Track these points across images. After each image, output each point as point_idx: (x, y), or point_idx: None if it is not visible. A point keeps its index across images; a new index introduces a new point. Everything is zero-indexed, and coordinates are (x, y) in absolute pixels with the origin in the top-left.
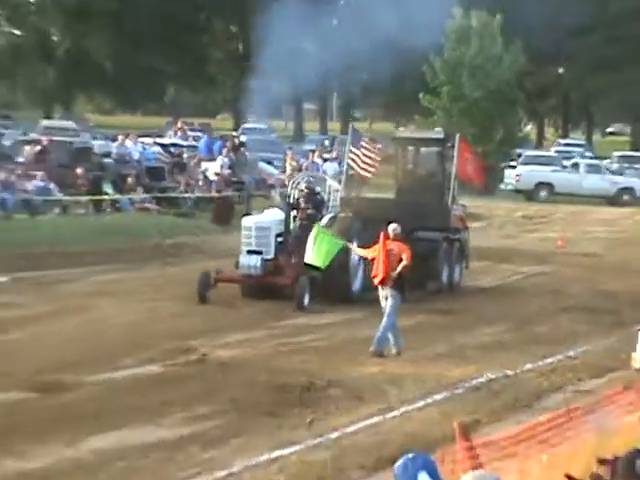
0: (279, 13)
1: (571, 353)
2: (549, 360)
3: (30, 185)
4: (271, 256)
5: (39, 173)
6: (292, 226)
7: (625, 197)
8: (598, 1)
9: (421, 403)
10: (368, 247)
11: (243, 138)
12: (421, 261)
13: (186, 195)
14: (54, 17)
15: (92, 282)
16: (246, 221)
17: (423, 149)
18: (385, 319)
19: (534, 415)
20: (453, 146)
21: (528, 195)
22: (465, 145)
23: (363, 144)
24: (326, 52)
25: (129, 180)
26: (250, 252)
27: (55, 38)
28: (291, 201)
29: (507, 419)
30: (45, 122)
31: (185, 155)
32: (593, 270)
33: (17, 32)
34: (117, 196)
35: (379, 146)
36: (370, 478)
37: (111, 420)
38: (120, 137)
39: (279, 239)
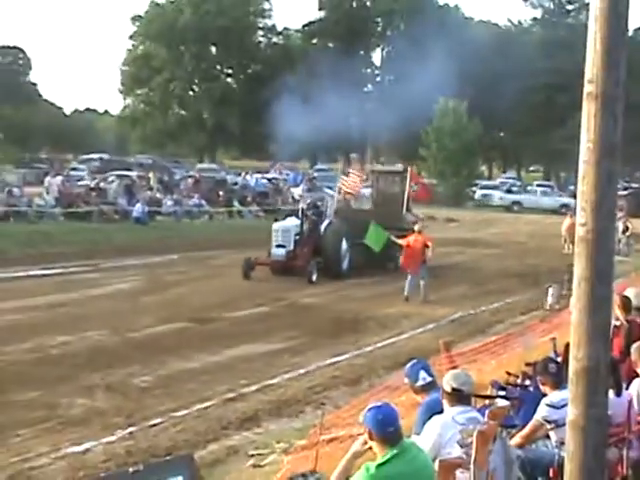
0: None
1: (508, 300)
2: (495, 304)
3: (190, 202)
4: (291, 248)
5: (195, 195)
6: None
7: (563, 209)
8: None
9: (421, 329)
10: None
11: (315, 174)
12: (385, 249)
13: (281, 207)
14: (206, 103)
15: (227, 259)
16: (275, 226)
17: (389, 177)
18: (424, 281)
19: (487, 337)
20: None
21: (506, 208)
22: (414, 175)
23: (351, 172)
24: (364, 122)
25: (248, 199)
26: (278, 246)
27: (206, 116)
28: (302, 212)
29: (471, 339)
30: (199, 165)
31: (281, 184)
32: (522, 251)
33: (183, 112)
34: (241, 208)
35: (360, 175)
36: (390, 374)
37: (238, 339)
38: (243, 173)
39: (296, 237)
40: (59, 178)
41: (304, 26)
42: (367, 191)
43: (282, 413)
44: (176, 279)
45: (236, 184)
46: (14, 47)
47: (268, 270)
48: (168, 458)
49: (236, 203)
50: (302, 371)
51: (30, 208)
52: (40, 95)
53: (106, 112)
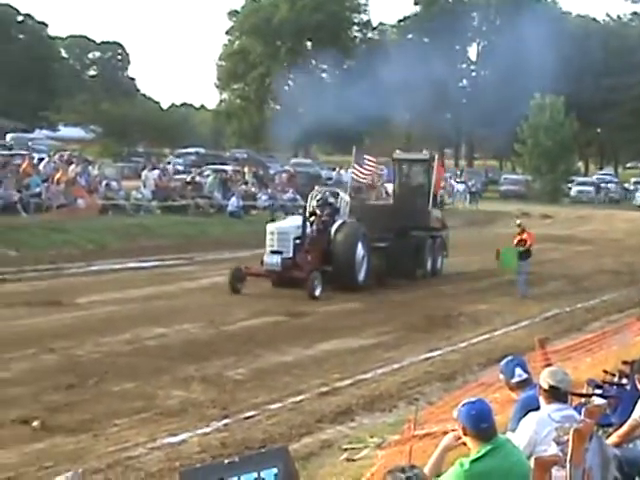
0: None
1: (604, 297)
2: (591, 302)
3: (285, 196)
4: (289, 255)
5: (290, 189)
6: (309, 230)
7: None
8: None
9: (514, 326)
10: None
11: None
12: (413, 253)
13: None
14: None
15: None
16: (269, 227)
17: (414, 167)
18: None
19: (583, 334)
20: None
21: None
22: (440, 165)
23: (366, 160)
24: (459, 117)
25: None
26: (273, 252)
27: (300, 110)
28: (309, 210)
29: (566, 337)
30: (293, 160)
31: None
32: (618, 248)
33: (278, 107)
34: None
35: (377, 162)
36: (484, 370)
37: (331, 333)
38: (337, 168)
39: (297, 241)
40: (156, 172)
41: (399, 21)
42: (389, 185)
43: (375, 408)
44: None
45: (330, 179)
46: (114, 42)
47: None
48: (263, 450)
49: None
50: (395, 366)
51: (128, 201)
52: (138, 90)
53: (202, 107)
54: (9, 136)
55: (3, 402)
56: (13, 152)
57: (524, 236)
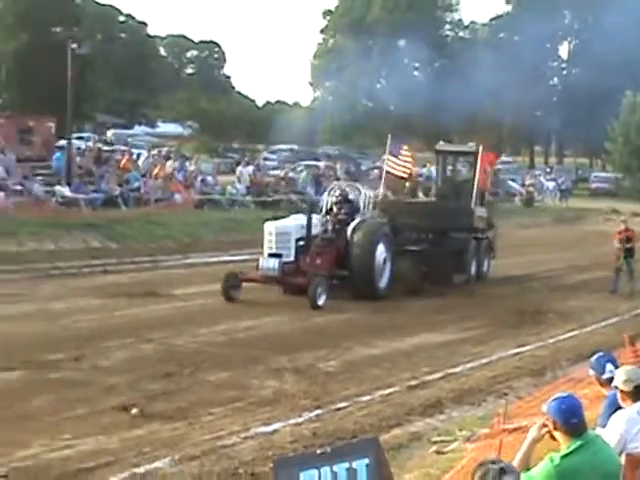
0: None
1: None
2: None
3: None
4: (291, 259)
5: (381, 185)
6: (321, 229)
7: None
8: None
9: (603, 323)
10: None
11: (499, 166)
12: (451, 258)
13: None
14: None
15: None
16: (267, 226)
17: (458, 160)
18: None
19: None
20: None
21: None
22: (486, 158)
23: (402, 152)
24: (549, 115)
25: (432, 190)
26: (271, 255)
27: (392, 108)
28: (326, 207)
29: None
30: (384, 156)
31: None
32: None
33: (370, 104)
34: (426, 200)
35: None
36: (573, 366)
37: (419, 328)
38: (427, 164)
39: (300, 243)
40: (250, 168)
41: (491, 20)
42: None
43: (464, 401)
44: None
45: (421, 175)
46: (210, 41)
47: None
48: (354, 441)
49: (420, 194)
50: (484, 361)
51: (223, 196)
52: (233, 87)
53: (296, 104)
54: (110, 132)
55: (103, 390)
56: (114, 147)
57: (628, 233)
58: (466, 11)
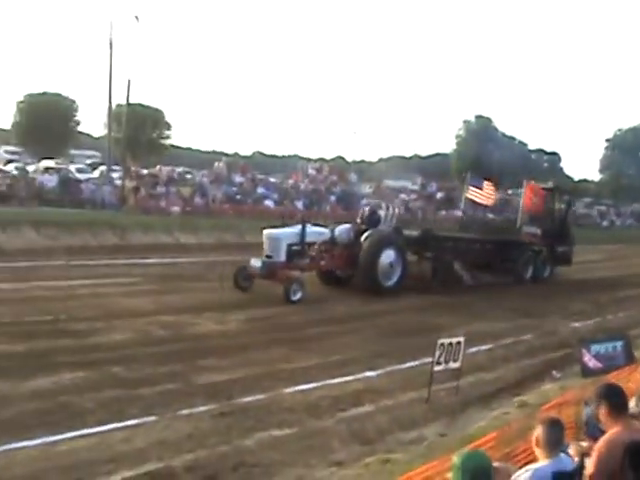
0: None
1: None
2: None
3: None
4: (280, 259)
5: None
6: (345, 236)
7: None
8: None
9: None
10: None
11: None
12: (508, 263)
13: None
14: None
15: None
16: (264, 233)
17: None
18: None
19: None
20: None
21: None
22: (531, 189)
23: (484, 184)
24: None
25: None
26: (267, 257)
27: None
28: (359, 220)
29: None
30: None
31: None
32: None
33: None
34: None
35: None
36: None
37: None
38: None
39: (293, 247)
40: None
41: None
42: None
43: None
44: None
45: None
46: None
47: None
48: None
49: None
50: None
51: None
52: None
53: None
54: None
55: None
56: None
57: None
58: None
